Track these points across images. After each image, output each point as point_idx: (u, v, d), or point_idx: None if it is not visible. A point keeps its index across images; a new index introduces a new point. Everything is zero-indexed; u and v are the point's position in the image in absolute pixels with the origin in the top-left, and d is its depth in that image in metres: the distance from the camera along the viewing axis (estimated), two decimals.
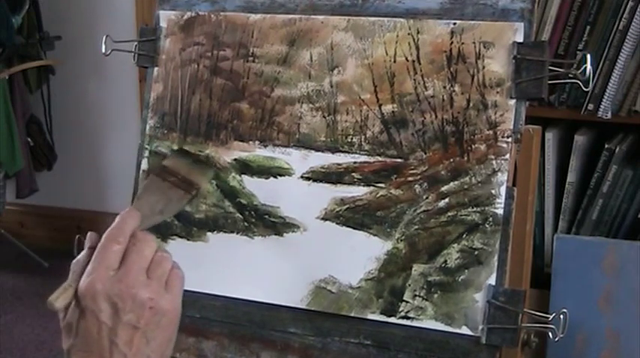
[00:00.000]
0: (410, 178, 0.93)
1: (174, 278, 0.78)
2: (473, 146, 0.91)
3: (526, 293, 0.89)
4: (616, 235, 1.69)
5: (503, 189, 0.89)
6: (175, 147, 1.02)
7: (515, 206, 0.89)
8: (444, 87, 0.92)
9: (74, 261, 0.79)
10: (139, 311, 0.74)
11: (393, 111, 0.94)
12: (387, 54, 0.95)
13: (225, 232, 1.00)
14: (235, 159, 1.01)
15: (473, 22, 0.92)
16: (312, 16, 0.99)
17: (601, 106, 1.63)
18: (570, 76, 0.89)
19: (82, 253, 0.79)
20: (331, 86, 0.97)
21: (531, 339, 0.92)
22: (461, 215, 0.91)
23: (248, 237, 0.99)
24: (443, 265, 0.91)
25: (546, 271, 1.71)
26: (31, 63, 2.49)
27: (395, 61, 0.95)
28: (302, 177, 0.97)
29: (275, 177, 0.99)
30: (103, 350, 0.74)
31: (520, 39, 0.90)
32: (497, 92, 0.91)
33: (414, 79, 0.94)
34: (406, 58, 0.94)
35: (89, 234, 0.80)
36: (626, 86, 1.63)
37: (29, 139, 2.56)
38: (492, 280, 0.89)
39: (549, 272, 1.67)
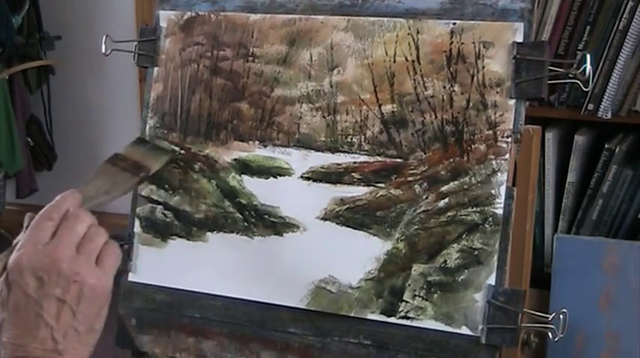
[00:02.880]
0: (410, 178, 0.93)
1: (107, 253, 0.78)
2: (473, 146, 0.91)
3: (526, 293, 0.89)
4: (616, 235, 1.69)
5: (503, 189, 0.89)
6: (177, 148, 1.03)
7: (515, 206, 0.89)
8: (444, 87, 0.92)
9: (14, 241, 0.79)
10: (64, 284, 0.75)
11: (392, 111, 0.94)
12: (386, 54, 0.95)
13: (225, 232, 1.00)
14: (235, 159, 1.01)
15: (473, 22, 0.92)
16: (312, 16, 0.99)
17: (601, 106, 1.63)
18: (570, 76, 0.89)
19: (21, 234, 0.80)
20: (331, 86, 0.97)
21: (531, 339, 0.92)
22: (461, 215, 0.90)
23: (248, 237, 0.99)
24: (443, 265, 0.91)
25: (546, 271, 1.71)
26: (31, 63, 2.48)
27: (395, 61, 0.95)
28: (302, 177, 0.97)
29: (275, 177, 0.99)
30: (30, 322, 0.75)
31: (520, 39, 0.90)
32: (497, 92, 0.91)
33: (414, 79, 0.94)
34: (406, 58, 0.94)
35: (27, 214, 0.81)
36: (626, 86, 1.63)
37: (29, 139, 2.56)
38: (492, 280, 0.88)
39: (549, 272, 1.67)
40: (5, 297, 0.76)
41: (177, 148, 1.02)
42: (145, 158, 0.93)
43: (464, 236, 0.90)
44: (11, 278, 0.76)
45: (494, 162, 0.90)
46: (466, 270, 0.90)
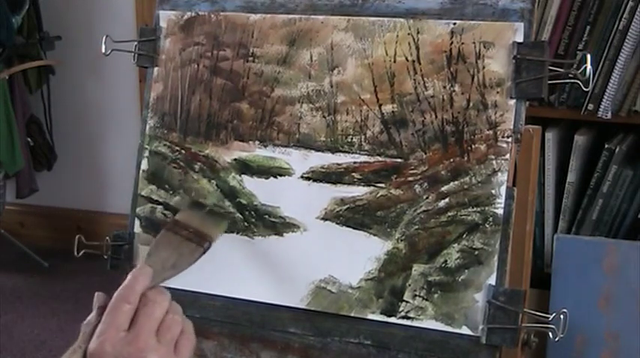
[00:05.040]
0: (410, 178, 0.93)
1: (184, 342, 0.78)
2: (473, 146, 0.91)
3: (526, 293, 0.89)
4: (616, 235, 1.68)
5: (503, 189, 0.89)
6: (188, 201, 1.01)
7: (515, 206, 0.89)
8: (444, 87, 0.92)
9: (84, 322, 0.78)
10: None
11: (393, 111, 0.94)
12: (387, 54, 0.95)
13: (225, 232, 1.00)
14: (235, 159, 1.01)
15: (473, 22, 0.92)
16: (312, 16, 0.99)
17: (601, 106, 1.62)
18: (570, 76, 0.89)
19: (92, 314, 0.79)
20: (331, 86, 0.97)
21: (531, 339, 0.92)
22: (461, 215, 0.90)
23: (248, 237, 0.99)
24: (443, 265, 0.91)
25: (546, 271, 1.71)
26: (31, 63, 2.48)
27: (395, 61, 0.95)
28: (302, 177, 0.97)
29: (275, 177, 0.99)
30: None
31: (520, 39, 0.90)
32: (497, 92, 0.91)
33: (414, 79, 0.94)
34: (406, 58, 0.94)
35: (97, 294, 0.80)
36: (626, 86, 1.63)
37: (29, 139, 2.56)
38: (492, 280, 0.89)
39: (549, 272, 1.67)
40: None
41: (230, 212, 1.00)
42: (204, 225, 0.89)
43: (464, 236, 0.90)
44: None
45: (494, 162, 0.90)
46: (466, 270, 0.90)
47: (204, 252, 0.87)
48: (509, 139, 0.90)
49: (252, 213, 0.99)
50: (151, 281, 0.79)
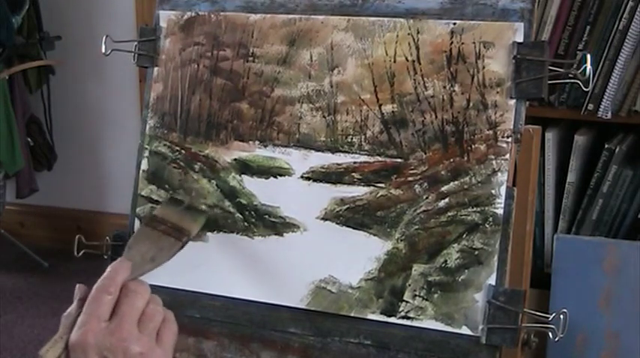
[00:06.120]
0: (410, 178, 0.93)
1: (166, 331, 0.78)
2: (473, 146, 0.91)
3: (526, 293, 0.89)
4: (616, 235, 1.69)
5: (503, 189, 0.89)
6: (168, 198, 1.02)
7: (515, 206, 0.89)
8: (444, 87, 0.92)
9: (65, 313, 0.78)
10: None
11: (393, 111, 0.94)
12: (387, 54, 0.95)
13: (225, 232, 1.00)
14: (235, 159, 1.01)
15: (473, 22, 0.92)
16: (312, 16, 0.99)
17: (601, 106, 1.63)
18: (570, 76, 0.89)
19: (72, 306, 0.79)
20: (331, 86, 0.97)
21: (531, 339, 0.92)
22: (461, 215, 0.90)
23: (248, 237, 0.99)
24: (443, 265, 0.91)
25: (546, 271, 1.72)
26: (31, 63, 2.49)
27: (395, 61, 0.95)
28: (302, 177, 0.97)
29: (275, 177, 0.99)
30: None
31: (520, 39, 0.90)
32: (497, 92, 0.91)
33: (414, 79, 0.94)
34: (406, 58, 0.94)
35: (78, 286, 0.80)
36: (626, 86, 1.63)
37: (29, 139, 2.57)
38: (492, 280, 0.89)
39: (549, 272, 1.67)
40: None
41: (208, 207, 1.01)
42: (182, 220, 0.92)
43: (464, 236, 0.90)
44: (75, 357, 0.75)
45: (494, 162, 0.90)
46: (466, 270, 0.90)
47: (182, 247, 0.89)
48: (509, 139, 0.90)
49: (252, 213, 0.99)
50: (130, 274, 0.79)
